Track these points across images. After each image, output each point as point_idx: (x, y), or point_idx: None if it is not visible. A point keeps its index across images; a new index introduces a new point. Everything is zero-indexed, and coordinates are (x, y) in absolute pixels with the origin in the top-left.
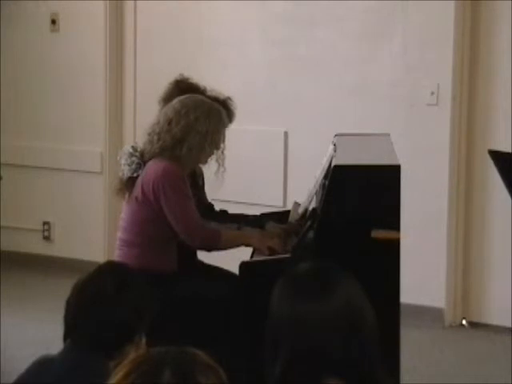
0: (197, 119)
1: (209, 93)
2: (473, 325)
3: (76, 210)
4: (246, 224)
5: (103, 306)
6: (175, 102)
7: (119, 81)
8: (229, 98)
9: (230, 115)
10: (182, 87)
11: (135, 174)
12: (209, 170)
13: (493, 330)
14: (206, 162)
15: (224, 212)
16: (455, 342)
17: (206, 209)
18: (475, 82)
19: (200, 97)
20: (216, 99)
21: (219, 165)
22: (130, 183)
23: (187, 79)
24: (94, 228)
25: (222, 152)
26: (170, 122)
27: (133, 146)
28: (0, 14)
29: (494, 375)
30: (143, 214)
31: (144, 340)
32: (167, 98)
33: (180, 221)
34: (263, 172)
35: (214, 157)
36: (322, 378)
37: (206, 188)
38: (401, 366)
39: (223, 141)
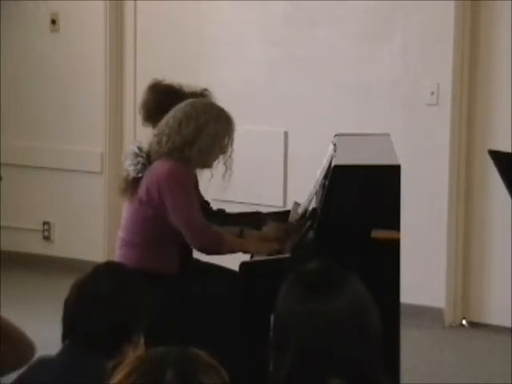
0: (207, 122)
1: (186, 89)
2: (473, 325)
3: (76, 210)
4: (245, 224)
5: (101, 305)
6: (184, 104)
7: (119, 81)
8: (205, 90)
9: None
10: (159, 90)
11: (140, 175)
12: (214, 171)
13: (493, 330)
14: (212, 165)
15: (221, 211)
16: (455, 342)
17: (202, 207)
18: (475, 82)
19: (210, 101)
20: (194, 93)
21: (227, 168)
22: (134, 184)
23: (161, 81)
24: (93, 228)
25: (230, 155)
26: (180, 124)
27: (138, 146)
28: (0, 13)
29: (494, 375)
30: (145, 215)
31: (142, 340)
32: (145, 105)
33: (184, 222)
34: (263, 172)
35: (221, 160)
36: (328, 378)
37: (212, 188)
38: (401, 366)
39: (231, 144)
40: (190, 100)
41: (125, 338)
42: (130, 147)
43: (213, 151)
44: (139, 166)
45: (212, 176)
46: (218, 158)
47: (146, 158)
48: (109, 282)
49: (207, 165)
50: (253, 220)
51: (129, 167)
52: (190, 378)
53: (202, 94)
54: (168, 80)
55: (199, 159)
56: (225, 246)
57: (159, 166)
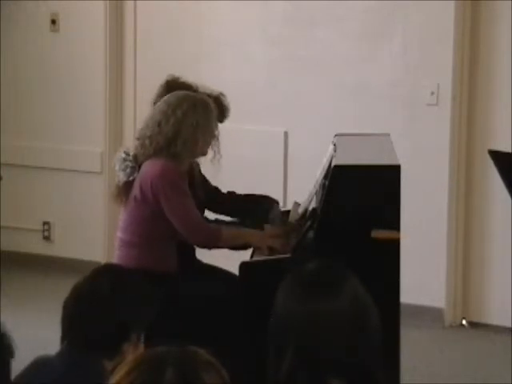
0: (184, 114)
1: (201, 90)
2: (473, 325)
3: (76, 210)
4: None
5: (99, 306)
6: (160, 103)
7: (119, 81)
8: (221, 94)
9: (224, 111)
10: (174, 87)
11: (131, 178)
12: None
13: (493, 330)
14: (204, 153)
15: (232, 193)
16: (455, 342)
17: (213, 194)
18: (475, 82)
19: (183, 92)
20: (209, 96)
21: (215, 152)
22: (126, 188)
23: (178, 79)
24: (93, 228)
25: (217, 139)
26: (159, 124)
27: (125, 151)
28: (0, 13)
29: (494, 375)
30: (142, 214)
31: (142, 339)
32: (159, 100)
33: (181, 219)
34: (263, 172)
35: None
36: (328, 378)
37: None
38: (401, 366)
39: (216, 128)
40: (165, 97)
41: (124, 337)
42: (117, 154)
43: (197, 140)
44: (128, 170)
45: (200, 165)
46: (209, 144)
47: (134, 161)
48: (107, 283)
49: (198, 154)
50: (261, 206)
51: (118, 172)
52: (190, 376)
53: (217, 98)
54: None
55: (186, 151)
56: (223, 239)
57: (151, 166)
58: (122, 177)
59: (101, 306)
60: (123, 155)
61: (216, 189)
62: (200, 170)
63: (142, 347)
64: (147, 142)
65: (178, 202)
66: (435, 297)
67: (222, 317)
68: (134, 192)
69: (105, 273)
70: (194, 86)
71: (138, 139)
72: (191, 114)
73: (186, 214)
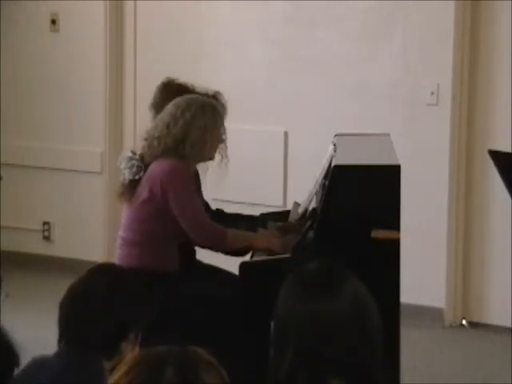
0: (193, 117)
1: (197, 90)
2: (473, 325)
3: (76, 209)
4: (244, 223)
5: (94, 305)
6: (169, 105)
7: (119, 81)
8: (218, 93)
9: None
10: (170, 89)
11: (136, 177)
12: (210, 166)
13: (493, 330)
14: (212, 157)
15: (220, 211)
16: (455, 342)
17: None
18: (475, 82)
19: (191, 95)
20: (205, 95)
21: (222, 156)
22: (131, 186)
23: (173, 80)
24: (93, 228)
25: (224, 143)
26: (168, 126)
27: (132, 151)
28: (0, 13)
29: (494, 375)
30: (147, 211)
31: (139, 338)
32: (157, 103)
33: (189, 216)
34: (263, 172)
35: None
36: (328, 378)
37: (209, 185)
38: (401, 366)
39: (224, 132)
40: (175, 99)
41: (122, 337)
42: (123, 153)
43: (205, 143)
44: (134, 169)
45: (208, 168)
46: (217, 147)
47: (141, 161)
48: (102, 282)
49: (206, 157)
50: (251, 221)
51: (124, 171)
52: (189, 376)
53: (214, 97)
54: (179, 80)
55: (194, 154)
56: (229, 240)
57: (160, 165)
58: (127, 175)
59: (96, 305)
60: (130, 154)
61: (207, 204)
62: (199, 179)
63: (137, 346)
64: (155, 142)
65: (187, 199)
66: (435, 297)
67: (222, 317)
68: (140, 190)
69: (100, 272)
70: (190, 86)
71: (146, 140)
72: (200, 117)
73: (194, 211)
